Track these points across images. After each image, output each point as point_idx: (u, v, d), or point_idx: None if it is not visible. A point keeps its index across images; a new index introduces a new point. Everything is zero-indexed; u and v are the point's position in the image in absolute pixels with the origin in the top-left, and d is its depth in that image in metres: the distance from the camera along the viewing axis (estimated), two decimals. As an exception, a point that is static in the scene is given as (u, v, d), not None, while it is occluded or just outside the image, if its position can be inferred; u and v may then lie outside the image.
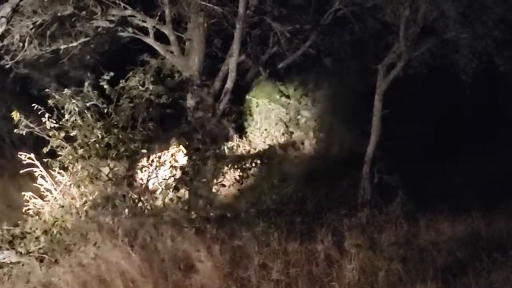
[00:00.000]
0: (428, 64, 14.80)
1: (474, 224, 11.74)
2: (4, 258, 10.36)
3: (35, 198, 10.91)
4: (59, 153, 11.05)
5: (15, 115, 10.98)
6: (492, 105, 19.85)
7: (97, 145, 10.91)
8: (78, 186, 10.94)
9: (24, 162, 10.92)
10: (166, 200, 11.06)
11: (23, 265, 10.30)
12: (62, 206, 10.85)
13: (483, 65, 14.34)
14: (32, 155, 10.91)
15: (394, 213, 11.95)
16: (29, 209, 10.85)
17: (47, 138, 11.00)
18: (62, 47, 13.43)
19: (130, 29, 13.58)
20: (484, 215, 11.95)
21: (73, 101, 11.02)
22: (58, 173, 11.04)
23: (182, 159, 11.62)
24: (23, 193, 10.99)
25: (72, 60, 14.21)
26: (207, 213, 11.20)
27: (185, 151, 11.55)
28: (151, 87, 11.47)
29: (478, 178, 15.80)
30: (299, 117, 20.45)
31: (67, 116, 10.97)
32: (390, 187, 13.14)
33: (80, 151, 10.91)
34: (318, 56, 16.41)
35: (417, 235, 11.25)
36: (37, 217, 10.78)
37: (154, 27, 13.48)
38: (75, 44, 13.37)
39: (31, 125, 10.99)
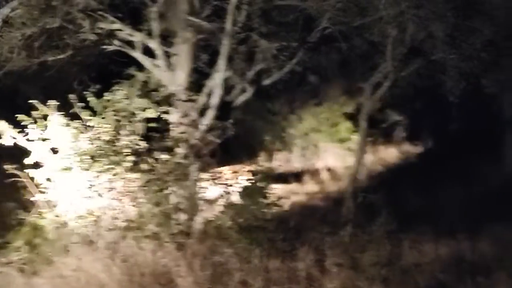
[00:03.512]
0: (415, 84, 14.88)
1: (458, 246, 11.72)
2: (-17, 267, 10.34)
3: (18, 209, 10.88)
4: (42, 164, 11.04)
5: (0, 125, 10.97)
6: (480, 125, 19.98)
7: (80, 157, 10.89)
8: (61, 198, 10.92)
9: (8, 173, 10.89)
10: (148, 213, 11.03)
11: (2, 274, 10.26)
12: (45, 217, 10.82)
13: (470, 86, 14.42)
14: (16, 166, 10.88)
15: (377, 233, 11.90)
16: (11, 219, 10.81)
17: (31, 149, 10.97)
18: (50, 59, 13.41)
19: (117, 43, 13.58)
20: (468, 237, 11.94)
21: (58, 112, 11.02)
22: (41, 183, 11.00)
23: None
24: (5, 203, 10.96)
25: (59, 72, 14.18)
26: (189, 228, 11.19)
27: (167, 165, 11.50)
28: (136, 100, 11.47)
29: (463, 199, 15.85)
30: (284, 134, 20.52)
31: (51, 128, 10.94)
32: (374, 207, 13.14)
33: (64, 163, 10.88)
34: (304, 74, 16.45)
35: (400, 255, 11.19)
36: (19, 227, 10.75)
37: (141, 41, 13.49)
38: (62, 56, 13.36)
39: (16, 135, 10.96)
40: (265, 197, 11.79)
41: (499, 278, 10.01)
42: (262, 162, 18.47)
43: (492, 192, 16.61)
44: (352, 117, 15.47)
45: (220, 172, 12.40)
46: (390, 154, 21.56)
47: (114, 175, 11.00)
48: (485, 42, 14.28)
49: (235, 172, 13.09)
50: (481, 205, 15.21)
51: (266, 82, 14.60)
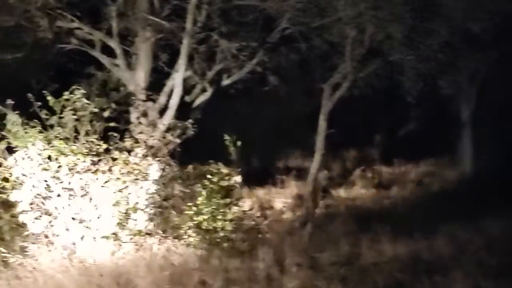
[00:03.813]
0: (372, 85, 14.96)
1: (416, 245, 11.78)
2: None
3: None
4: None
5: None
6: (437, 126, 20.14)
7: (38, 156, 10.78)
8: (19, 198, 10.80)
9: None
10: (107, 213, 10.95)
11: (-42, 276, 10.14)
12: (1, 218, 10.71)
13: (427, 87, 14.53)
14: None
15: (336, 233, 11.96)
16: (-33, 220, 10.70)
17: (-12, 148, 10.85)
18: (7, 57, 13.27)
19: (76, 41, 13.47)
20: (426, 237, 12.01)
21: (16, 111, 10.91)
22: (-1, 184, 10.89)
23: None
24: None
25: (17, 70, 14.03)
26: (149, 229, 11.14)
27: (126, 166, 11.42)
28: (95, 99, 11.39)
29: (420, 199, 15.95)
30: (245, 134, 20.46)
31: (9, 127, 10.83)
32: (333, 206, 13.19)
33: (22, 163, 10.77)
34: (264, 74, 16.45)
35: (358, 255, 11.22)
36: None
37: (100, 40, 13.40)
38: (19, 55, 13.22)
39: (-27, 134, 10.84)
40: (225, 197, 11.77)
41: (455, 277, 10.07)
42: (223, 163, 18.42)
43: (449, 193, 16.74)
44: (312, 118, 15.47)
45: (181, 172, 12.34)
46: (350, 154, 21.67)
47: (73, 175, 10.90)
48: (442, 43, 14.41)
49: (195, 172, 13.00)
50: (438, 205, 15.31)
51: (226, 82, 14.61)
